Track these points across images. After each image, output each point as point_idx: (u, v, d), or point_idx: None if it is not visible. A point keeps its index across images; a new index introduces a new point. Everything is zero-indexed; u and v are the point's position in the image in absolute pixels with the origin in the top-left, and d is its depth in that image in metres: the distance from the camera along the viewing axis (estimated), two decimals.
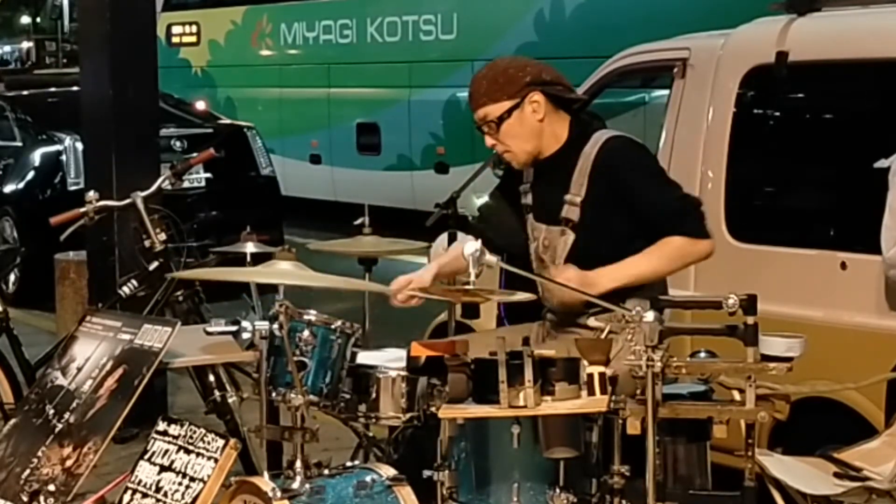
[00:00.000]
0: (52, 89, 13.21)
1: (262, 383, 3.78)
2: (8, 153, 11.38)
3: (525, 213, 4.22)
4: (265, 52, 16.50)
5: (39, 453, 4.23)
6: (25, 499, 4.11)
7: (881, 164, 4.39)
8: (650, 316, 3.29)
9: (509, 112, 4.03)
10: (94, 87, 6.92)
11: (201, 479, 3.75)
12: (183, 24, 17.74)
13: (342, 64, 15.18)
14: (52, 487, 4.07)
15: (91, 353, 4.42)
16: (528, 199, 4.22)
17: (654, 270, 3.98)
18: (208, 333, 3.91)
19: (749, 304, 3.33)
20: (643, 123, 9.65)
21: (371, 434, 4.33)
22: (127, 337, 4.35)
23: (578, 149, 4.06)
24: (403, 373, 3.82)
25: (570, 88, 4.17)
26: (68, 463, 4.12)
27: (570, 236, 4.05)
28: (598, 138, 4.06)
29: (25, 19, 50.93)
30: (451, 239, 4.98)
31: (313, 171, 15.50)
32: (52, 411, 4.34)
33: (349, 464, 3.97)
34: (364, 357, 3.93)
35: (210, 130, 11.69)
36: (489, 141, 4.11)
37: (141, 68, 6.84)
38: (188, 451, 3.84)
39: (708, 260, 5.15)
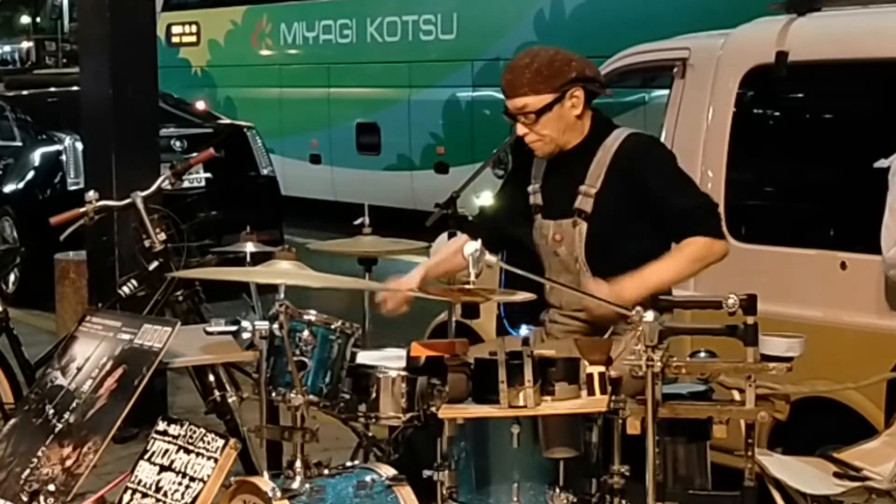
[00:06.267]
0: (52, 89, 13.21)
1: (262, 383, 3.78)
2: (8, 153, 11.38)
3: (533, 214, 4.20)
4: (265, 52, 16.50)
5: (39, 453, 4.23)
6: (25, 499, 4.11)
7: (881, 164, 4.39)
8: (650, 316, 3.29)
9: (550, 106, 4.00)
10: (94, 87, 6.92)
11: (201, 479, 3.75)
12: (183, 24, 17.74)
13: (342, 64, 15.18)
14: (52, 487, 4.07)
15: (91, 352, 4.42)
16: (537, 199, 4.19)
17: (679, 273, 3.97)
18: (208, 333, 3.91)
19: (749, 304, 3.33)
20: (643, 123, 9.62)
21: (371, 434, 4.33)
22: (127, 337, 4.34)
23: (598, 142, 4.06)
24: (403, 373, 3.82)
25: (604, 85, 4.19)
26: (68, 463, 4.12)
27: (584, 226, 4.03)
28: (620, 133, 4.07)
29: (25, 19, 50.97)
30: (451, 239, 4.97)
31: (313, 170, 15.50)
32: (51, 411, 4.34)
33: (349, 464, 3.97)
34: (364, 357, 3.93)
35: (210, 130, 11.69)
36: (521, 129, 4.07)
37: (141, 68, 6.85)
38: (188, 451, 3.84)
39: None
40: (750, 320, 3.35)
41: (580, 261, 4.03)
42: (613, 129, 4.09)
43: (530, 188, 4.22)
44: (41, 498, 4.07)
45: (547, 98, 4.00)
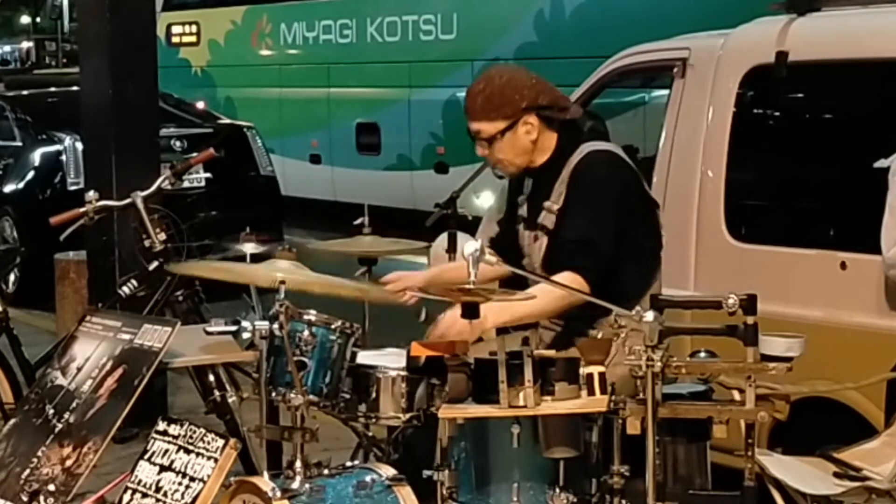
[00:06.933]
0: (52, 89, 13.21)
1: (262, 383, 3.78)
2: (8, 153, 11.38)
3: (517, 225, 4.20)
4: (265, 52, 16.49)
5: (39, 453, 4.23)
6: (25, 499, 4.11)
7: (881, 164, 4.39)
8: (650, 316, 3.29)
9: (502, 132, 4.03)
10: (94, 87, 6.92)
11: (201, 479, 3.76)
12: (183, 24, 17.73)
13: (342, 64, 15.18)
14: (52, 487, 4.07)
15: (91, 352, 4.42)
16: (522, 211, 4.20)
17: (542, 310, 3.81)
18: (208, 333, 3.91)
19: (749, 304, 3.33)
20: (643, 123, 9.64)
21: (371, 434, 4.33)
22: (127, 337, 4.35)
23: (566, 158, 4.06)
24: (403, 373, 3.82)
25: (565, 108, 4.13)
26: (68, 463, 4.12)
27: (544, 241, 4.04)
28: (583, 150, 4.05)
29: (25, 19, 50.98)
30: (451, 239, 4.97)
31: (313, 171, 15.50)
32: (51, 411, 4.34)
33: (349, 464, 3.97)
34: (364, 357, 3.93)
35: (210, 130, 11.69)
36: (480, 151, 4.12)
37: (141, 68, 6.85)
38: (188, 451, 3.84)
39: (708, 260, 5.18)
40: (750, 320, 3.34)
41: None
42: (580, 145, 4.06)
43: (520, 199, 4.22)
44: (41, 498, 4.07)
45: (499, 125, 4.02)
